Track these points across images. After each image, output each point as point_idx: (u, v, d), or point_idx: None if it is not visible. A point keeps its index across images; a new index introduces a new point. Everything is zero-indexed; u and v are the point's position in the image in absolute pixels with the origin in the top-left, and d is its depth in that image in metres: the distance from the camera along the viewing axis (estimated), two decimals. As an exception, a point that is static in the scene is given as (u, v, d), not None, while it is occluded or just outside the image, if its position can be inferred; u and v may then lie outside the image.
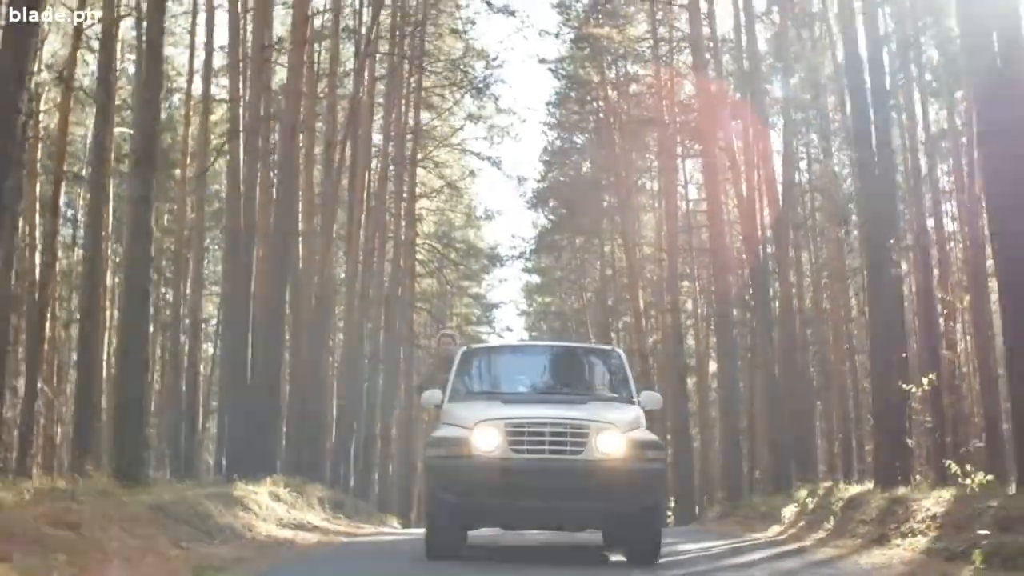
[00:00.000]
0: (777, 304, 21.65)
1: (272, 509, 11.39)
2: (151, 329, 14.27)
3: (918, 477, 13.97)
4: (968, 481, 10.47)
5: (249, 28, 17.94)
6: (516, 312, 50.88)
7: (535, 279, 45.90)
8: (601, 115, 32.45)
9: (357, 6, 23.58)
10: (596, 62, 30.53)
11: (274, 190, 16.03)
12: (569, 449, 6.89)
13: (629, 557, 7.53)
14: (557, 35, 31.52)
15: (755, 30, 23.83)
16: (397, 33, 24.00)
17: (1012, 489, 9.95)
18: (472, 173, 37.54)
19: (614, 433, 6.95)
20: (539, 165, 38.67)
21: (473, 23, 27.50)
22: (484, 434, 6.90)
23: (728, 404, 20.33)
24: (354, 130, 19.95)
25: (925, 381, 13.82)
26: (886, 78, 18.21)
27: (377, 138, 27.75)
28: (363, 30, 21.42)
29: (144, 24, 12.53)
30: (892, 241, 15.72)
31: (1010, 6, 10.64)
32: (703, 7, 25.01)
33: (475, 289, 46.03)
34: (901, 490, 11.09)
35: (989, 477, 10.78)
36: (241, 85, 16.92)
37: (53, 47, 22.93)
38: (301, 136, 17.07)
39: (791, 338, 20.98)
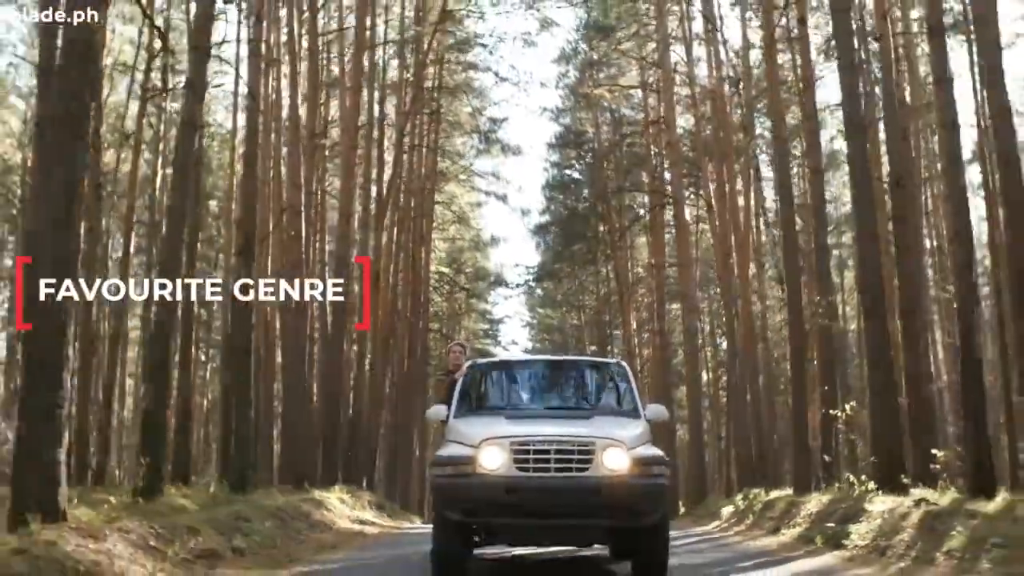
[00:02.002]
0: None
1: (341, 510, 15.44)
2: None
3: (837, 484, 17.99)
4: (859, 488, 14.45)
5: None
6: (520, 324, 54.40)
7: (538, 293, 49.62)
8: (597, 148, 36.35)
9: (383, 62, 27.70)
10: (590, 114, 34.65)
11: (334, 264, 19.83)
12: (575, 467, 6.88)
13: (636, 571, 7.53)
14: (557, 85, 35.89)
15: (724, 93, 27.82)
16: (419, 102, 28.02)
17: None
18: (479, 204, 41.84)
19: (620, 450, 6.94)
20: (540, 196, 42.59)
21: (483, 94, 31.59)
22: (489, 453, 6.90)
23: (694, 427, 24.39)
24: (386, 201, 24.07)
25: (848, 407, 17.87)
26: (822, 156, 22.11)
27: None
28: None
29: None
30: (820, 298, 19.65)
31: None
32: (681, 68, 29.04)
33: (482, 306, 49.73)
34: (814, 495, 15.09)
35: (872, 484, 14.76)
36: (304, 168, 20.81)
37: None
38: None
39: (753, 367, 24.95)
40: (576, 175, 40.65)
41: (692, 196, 32.70)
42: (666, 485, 7.27)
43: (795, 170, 30.70)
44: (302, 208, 20.44)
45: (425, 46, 25.21)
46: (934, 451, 13.93)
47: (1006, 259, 11.92)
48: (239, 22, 21.40)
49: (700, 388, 26.34)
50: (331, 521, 13.93)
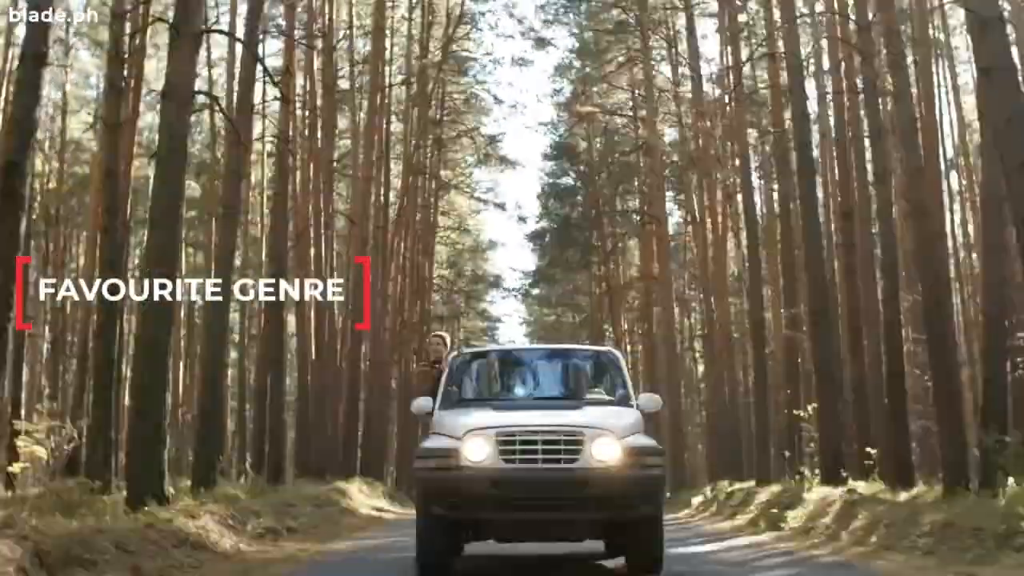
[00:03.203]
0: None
1: (361, 499, 17.82)
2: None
3: (797, 476, 20.38)
4: (808, 481, 16.79)
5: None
6: (518, 322, 56.54)
7: (535, 293, 51.81)
8: (589, 161, 38.67)
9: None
10: (583, 128, 36.99)
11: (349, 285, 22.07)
12: (563, 457, 6.64)
13: (630, 568, 7.26)
14: (552, 99, 38.38)
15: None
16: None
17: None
18: (478, 212, 44.16)
19: (610, 439, 6.69)
20: (536, 203, 44.84)
21: (482, 110, 33.99)
22: (474, 444, 6.68)
23: (673, 424, 26.81)
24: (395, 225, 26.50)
25: (811, 408, 20.25)
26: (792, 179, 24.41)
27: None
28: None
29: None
30: (795, 310, 21.93)
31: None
32: (667, 87, 31.31)
33: (481, 305, 51.89)
34: (772, 486, 17.45)
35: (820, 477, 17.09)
36: (323, 196, 23.20)
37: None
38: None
39: (730, 367, 27.36)
40: (570, 181, 43.01)
41: (679, 205, 35.15)
42: (660, 476, 7.04)
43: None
44: (323, 231, 22.88)
45: (429, 79, 27.61)
46: (868, 448, 16.25)
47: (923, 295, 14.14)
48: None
49: (679, 388, 28.76)
50: (355, 508, 16.32)
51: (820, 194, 30.19)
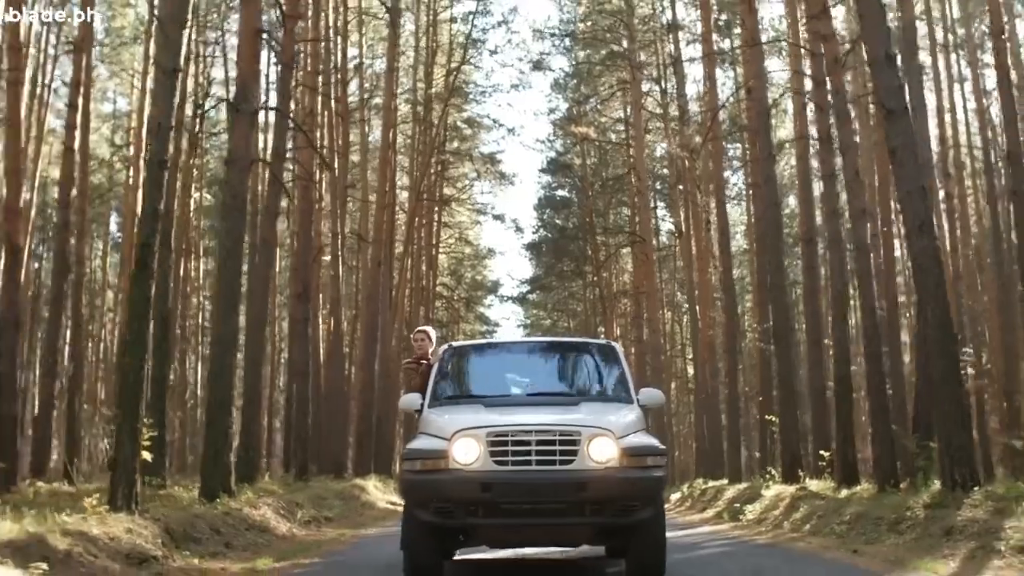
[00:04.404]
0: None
1: (377, 494, 20.07)
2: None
3: (766, 476, 22.70)
4: (771, 479, 19.06)
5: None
6: (516, 325, 58.68)
7: (533, 296, 53.99)
8: (583, 176, 40.99)
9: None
10: (578, 146, 39.32)
11: (363, 299, 24.46)
12: (558, 459, 6.34)
13: (628, 572, 6.93)
14: (549, 115, 40.90)
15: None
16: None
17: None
18: (477, 222, 46.47)
19: (608, 439, 6.40)
20: (533, 214, 47.18)
21: (488, 131, 36.44)
22: (463, 445, 6.39)
23: (661, 425, 29.11)
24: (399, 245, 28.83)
25: (781, 414, 22.56)
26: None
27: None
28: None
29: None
30: (766, 324, 24.23)
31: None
32: (657, 111, 33.59)
33: (479, 309, 54.06)
34: (742, 484, 19.74)
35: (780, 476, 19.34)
36: (339, 219, 25.61)
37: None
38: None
39: (712, 372, 29.66)
40: (565, 194, 45.21)
41: (670, 214, 37.51)
42: (661, 478, 6.65)
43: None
44: (339, 251, 25.24)
45: (434, 106, 29.96)
46: (822, 451, 18.53)
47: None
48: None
49: (668, 391, 31.12)
50: (373, 502, 18.59)
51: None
